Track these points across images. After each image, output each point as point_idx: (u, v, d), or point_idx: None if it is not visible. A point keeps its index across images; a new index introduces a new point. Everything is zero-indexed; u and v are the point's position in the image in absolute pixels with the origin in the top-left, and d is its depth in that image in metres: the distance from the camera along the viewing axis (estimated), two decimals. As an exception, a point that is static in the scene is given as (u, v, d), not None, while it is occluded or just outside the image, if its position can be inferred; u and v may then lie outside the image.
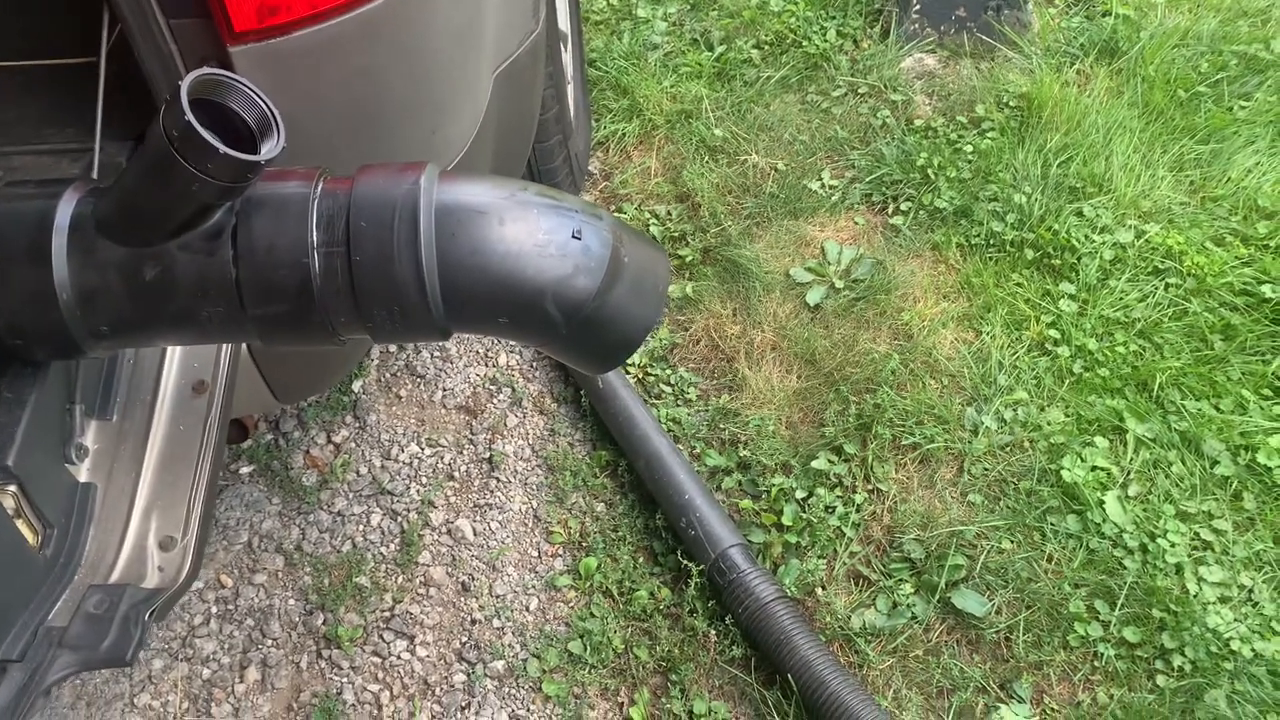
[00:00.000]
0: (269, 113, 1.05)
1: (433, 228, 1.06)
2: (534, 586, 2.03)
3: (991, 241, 2.30)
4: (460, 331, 1.18)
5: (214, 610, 2.01)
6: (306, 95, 1.31)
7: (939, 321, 2.16)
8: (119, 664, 1.06)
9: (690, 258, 2.46)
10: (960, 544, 1.84)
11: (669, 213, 2.59)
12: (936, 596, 1.79)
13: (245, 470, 2.21)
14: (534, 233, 1.08)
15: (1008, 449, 1.96)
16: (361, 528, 2.12)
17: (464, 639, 1.97)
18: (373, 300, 1.08)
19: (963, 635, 1.76)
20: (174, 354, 1.36)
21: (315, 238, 1.06)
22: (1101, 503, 1.82)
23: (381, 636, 1.98)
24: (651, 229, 2.56)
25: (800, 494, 1.98)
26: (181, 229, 1.06)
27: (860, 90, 2.81)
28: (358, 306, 1.08)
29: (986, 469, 1.94)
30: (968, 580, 1.81)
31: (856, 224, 2.44)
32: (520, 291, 1.08)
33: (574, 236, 1.10)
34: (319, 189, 1.08)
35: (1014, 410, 2.00)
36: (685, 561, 1.91)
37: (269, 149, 1.04)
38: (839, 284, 2.28)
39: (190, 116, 0.95)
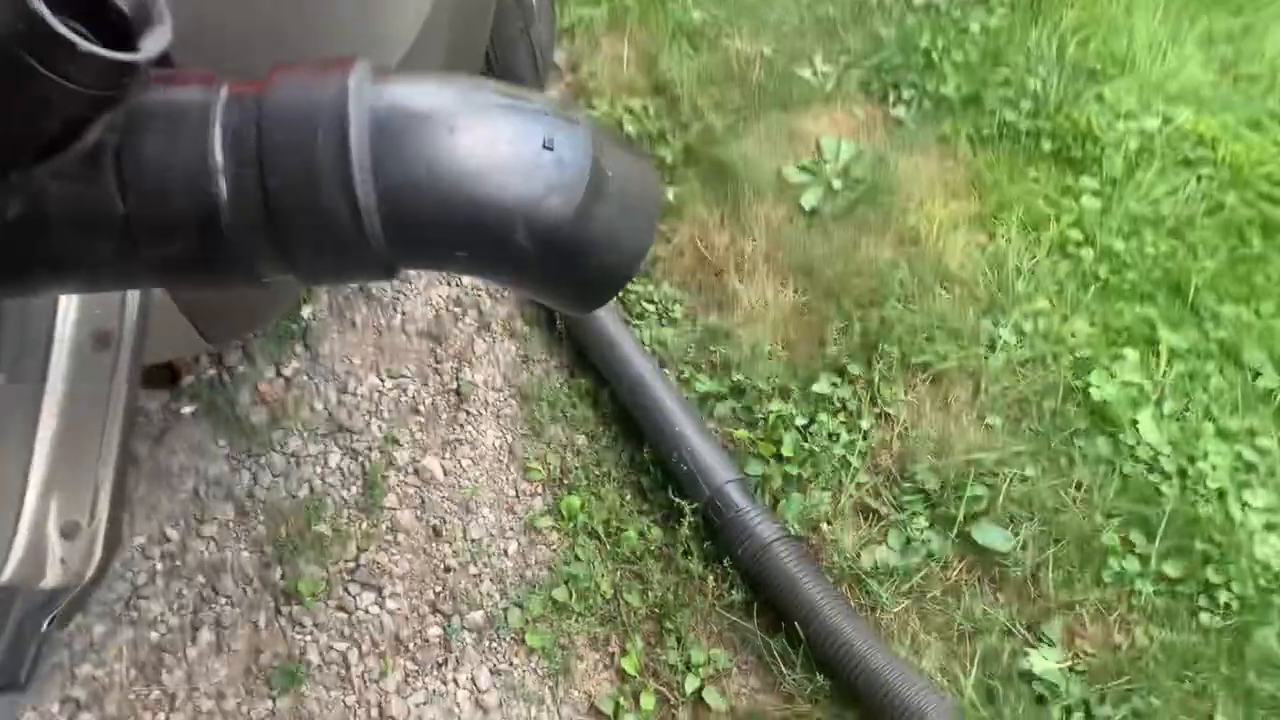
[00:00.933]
0: (148, -5, 0.81)
1: (366, 141, 0.83)
2: (512, 529, 1.86)
3: (1004, 132, 2.08)
4: (409, 267, 0.97)
5: (159, 567, 1.82)
6: (206, -25, 1.07)
7: (949, 224, 1.96)
8: (11, 689, 0.87)
9: (671, 158, 2.23)
10: (979, 472, 1.68)
11: (645, 108, 2.35)
12: (955, 531, 1.63)
13: (187, 410, 2.00)
14: (494, 143, 0.86)
15: (1029, 365, 1.78)
16: (319, 470, 1.92)
17: (438, 589, 1.80)
18: (296, 234, 0.86)
19: (985, 573, 1.61)
20: (70, 299, 1.13)
21: (220, 159, 0.84)
22: (1134, 422, 1.66)
23: (346, 589, 1.80)
24: (626, 126, 2.32)
25: (800, 421, 1.80)
26: (49, 150, 0.83)
27: (852, -37, 2.54)
28: (278, 242, 0.86)
29: (1006, 388, 1.76)
30: (989, 512, 1.65)
31: (854, 116, 2.21)
32: (480, 217, 0.87)
33: (545, 146, 0.88)
34: (223, 96, 0.85)
35: (1034, 321, 1.82)
36: (677, 499, 1.74)
37: (150, 44, 0.80)
38: (837, 184, 2.07)
39: (38, 3, 0.71)
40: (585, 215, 0.90)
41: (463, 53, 1.72)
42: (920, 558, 1.63)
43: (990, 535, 1.61)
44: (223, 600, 1.79)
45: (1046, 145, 2.05)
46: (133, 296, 1.16)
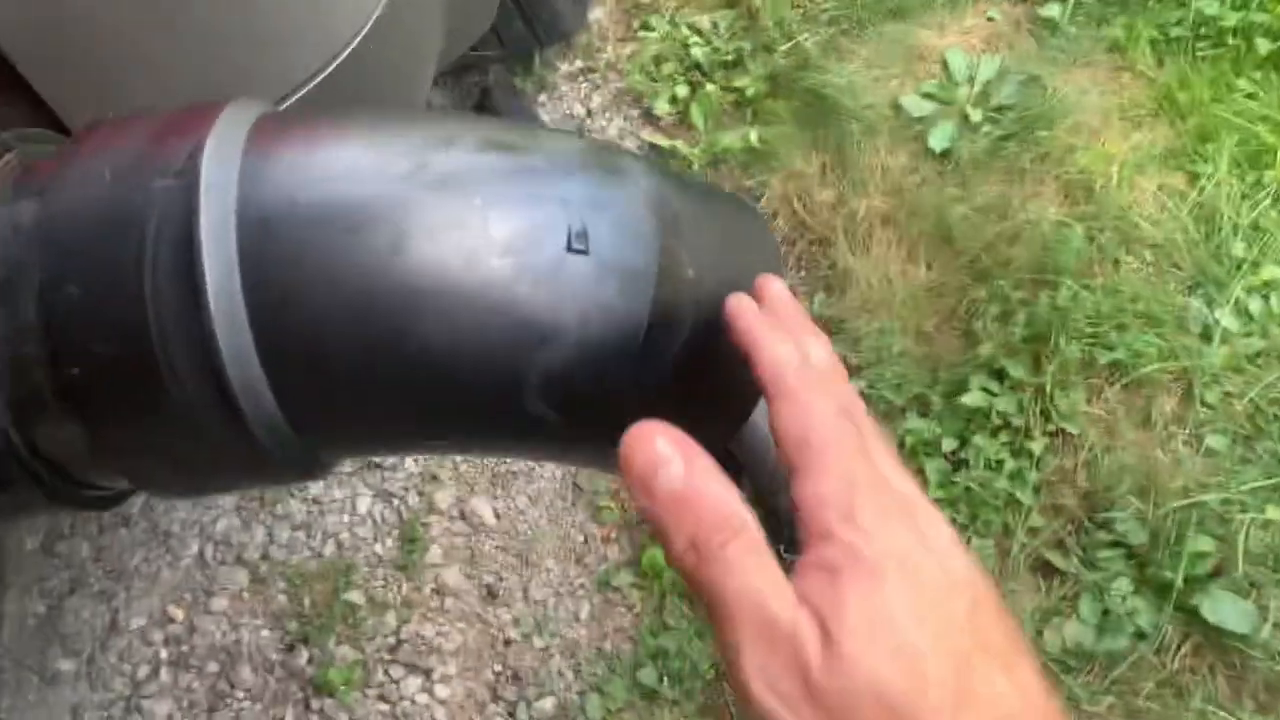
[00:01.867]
0: None
1: (234, 275, 0.44)
2: (584, 586, 1.50)
3: (1202, 32, 1.58)
4: (347, 459, 0.58)
5: (164, 655, 1.51)
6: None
7: (1133, 164, 1.48)
8: None
9: (752, 90, 1.77)
10: (1201, 517, 1.25)
11: (715, 25, 1.88)
12: (1172, 601, 1.22)
13: (185, 450, 1.65)
14: (478, 254, 0.45)
15: (1260, 360, 1.33)
16: (346, 519, 1.58)
17: (497, 667, 1.47)
18: (131, 443, 0.48)
19: (1219, 660, 1.20)
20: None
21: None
22: None
23: (388, 673, 1.47)
24: (692, 50, 1.86)
25: (948, 444, 1.39)
26: None
27: None
28: (106, 451, 0.48)
29: (1229, 394, 1.32)
30: (1219, 575, 1.23)
31: (991, 20, 1.71)
32: (457, 386, 0.48)
33: (571, 247, 0.47)
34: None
35: (1263, 298, 1.36)
36: (789, 554, 1.34)
37: None
38: (974, 116, 1.59)
39: None
40: (653, 354, 0.50)
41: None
42: (1126, 637, 1.22)
43: (1224, 608, 1.19)
44: (240, 694, 1.48)
45: (1263, 46, 1.54)
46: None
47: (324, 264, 0.45)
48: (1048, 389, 1.36)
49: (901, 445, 1.40)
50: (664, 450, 0.35)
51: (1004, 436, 1.37)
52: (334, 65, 0.95)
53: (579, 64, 1.96)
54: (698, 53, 1.85)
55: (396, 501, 1.58)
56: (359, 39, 0.96)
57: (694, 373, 0.52)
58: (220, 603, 1.53)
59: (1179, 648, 1.21)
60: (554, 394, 0.48)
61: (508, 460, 1.58)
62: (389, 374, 0.47)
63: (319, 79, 0.95)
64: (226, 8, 0.81)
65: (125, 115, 0.49)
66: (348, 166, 0.46)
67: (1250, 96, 1.51)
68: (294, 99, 0.94)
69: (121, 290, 0.44)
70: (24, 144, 0.50)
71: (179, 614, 1.54)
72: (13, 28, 0.72)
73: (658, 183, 0.51)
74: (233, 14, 0.82)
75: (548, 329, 0.47)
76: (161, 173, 0.45)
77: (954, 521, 1.34)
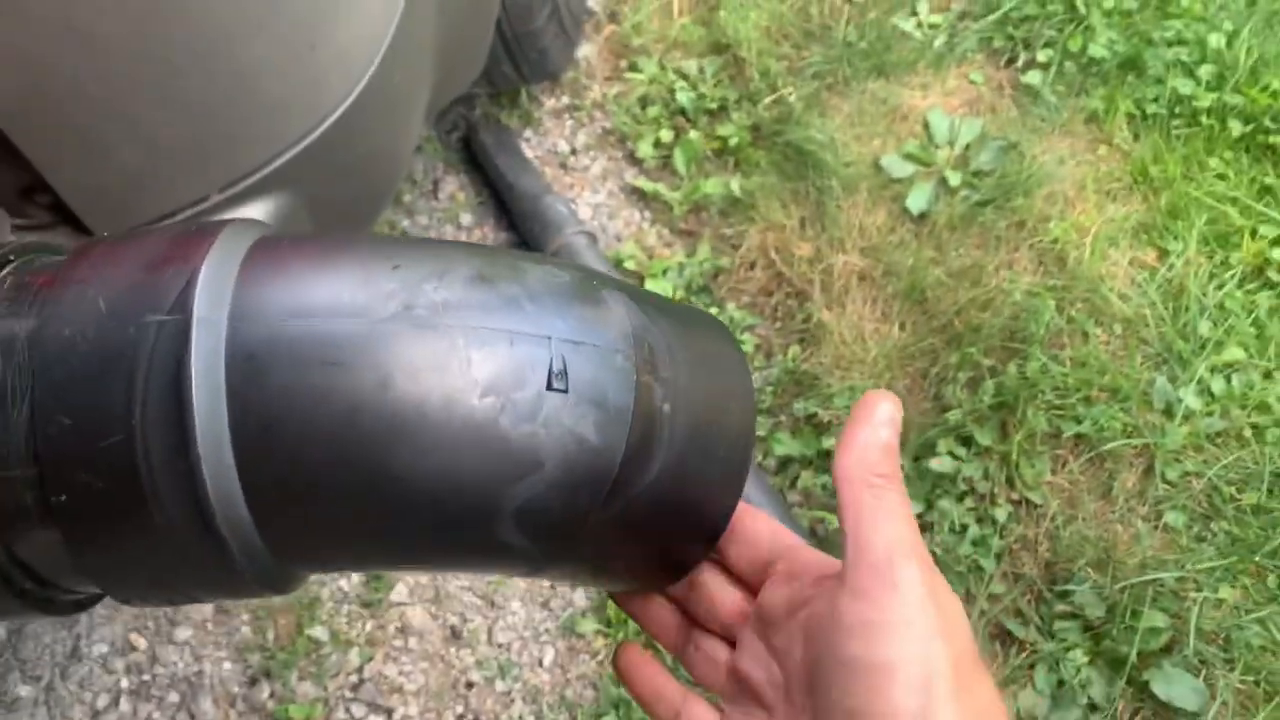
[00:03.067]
0: None
1: (224, 422, 0.45)
2: (548, 630, 1.50)
3: (1177, 110, 1.60)
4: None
5: (124, 684, 1.50)
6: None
7: (1105, 237, 1.51)
8: None
9: (735, 139, 1.78)
10: (1157, 593, 1.27)
11: (702, 71, 1.89)
12: (1124, 675, 1.24)
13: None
14: (460, 395, 0.46)
15: (1220, 440, 1.36)
16: (313, 552, 1.57)
17: (459, 709, 1.47)
18: (109, 562, 0.49)
19: (1168, 737, 1.23)
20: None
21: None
22: (1373, 530, 1.24)
23: (349, 710, 1.47)
24: (678, 95, 1.87)
25: (915, 507, 1.40)
26: None
27: (960, -127, 2.02)
28: (79, 565, 0.49)
29: (1188, 473, 1.34)
30: (1171, 650, 1.25)
31: (973, 84, 1.73)
32: (438, 517, 0.49)
33: (551, 386, 0.49)
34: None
35: (1226, 378, 1.39)
36: (756, 611, 1.36)
37: None
38: (953, 179, 1.61)
39: None
40: (625, 486, 0.52)
41: (466, 27, 1.28)
42: (1079, 709, 1.24)
43: (1175, 686, 1.21)
44: (200, 727, 1.47)
45: (1236, 128, 1.57)
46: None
47: (308, 400, 0.46)
48: (1013, 457, 1.39)
49: (868, 506, 1.42)
50: None
51: (969, 502, 1.39)
52: (323, 128, 0.96)
53: (565, 100, 1.97)
54: (683, 98, 1.86)
55: (365, 537, 1.58)
56: (349, 102, 0.97)
57: (667, 500, 0.53)
58: (184, 633, 1.53)
59: (1130, 721, 1.24)
60: (528, 524, 0.50)
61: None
62: (367, 506, 0.48)
63: (309, 140, 0.96)
64: (216, 77, 0.82)
65: (120, 237, 0.50)
66: (337, 303, 0.47)
67: (1221, 177, 1.54)
68: (283, 160, 0.95)
69: (111, 425, 0.44)
70: (23, 255, 0.51)
71: (141, 642, 1.53)
72: None
73: (636, 316, 0.53)
74: (222, 82, 0.83)
75: (525, 465, 0.48)
76: (154, 308, 0.45)
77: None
